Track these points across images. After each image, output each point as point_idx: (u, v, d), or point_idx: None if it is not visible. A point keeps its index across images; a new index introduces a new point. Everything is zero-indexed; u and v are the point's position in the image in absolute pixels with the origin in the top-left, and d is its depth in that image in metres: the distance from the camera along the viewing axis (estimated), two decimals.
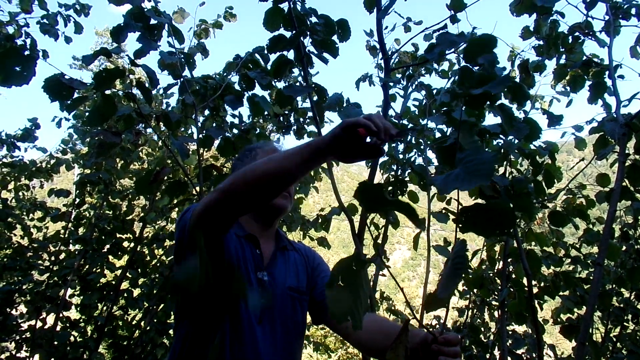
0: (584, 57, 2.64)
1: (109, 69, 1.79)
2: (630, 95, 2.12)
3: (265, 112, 3.16)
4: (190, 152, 3.40)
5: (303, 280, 1.36)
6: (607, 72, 2.47)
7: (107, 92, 1.85)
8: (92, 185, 3.92)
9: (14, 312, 3.86)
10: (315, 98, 2.00)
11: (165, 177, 2.21)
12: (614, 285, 2.99)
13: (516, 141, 2.33)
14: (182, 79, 2.43)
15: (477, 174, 0.73)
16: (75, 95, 1.81)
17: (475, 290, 3.53)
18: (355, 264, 0.84)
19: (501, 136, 2.39)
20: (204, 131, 2.45)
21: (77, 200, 4.00)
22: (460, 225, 0.80)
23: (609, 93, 2.58)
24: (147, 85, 2.07)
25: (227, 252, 1.20)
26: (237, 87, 2.72)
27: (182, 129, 3.60)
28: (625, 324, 3.11)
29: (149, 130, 4.31)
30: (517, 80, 2.42)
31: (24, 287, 3.88)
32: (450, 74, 2.83)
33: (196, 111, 2.36)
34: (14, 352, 3.77)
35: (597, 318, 3.31)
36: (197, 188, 2.13)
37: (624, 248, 2.92)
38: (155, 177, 1.86)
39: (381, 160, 2.99)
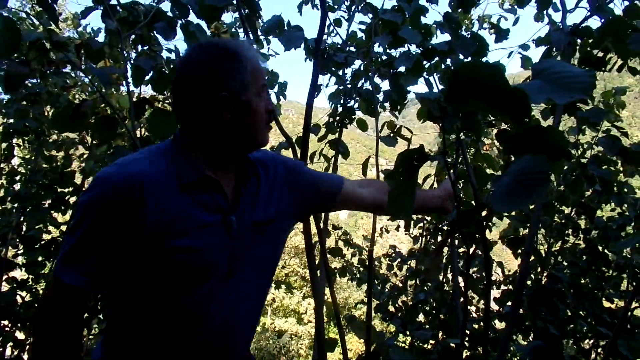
0: None
1: None
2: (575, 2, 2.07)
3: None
4: (123, 93, 3.13)
5: (275, 203, 1.12)
6: None
7: (5, 14, 1.60)
8: (19, 136, 3.59)
9: None
10: (246, 12, 1.82)
11: (93, 115, 2.01)
12: (555, 203, 3.12)
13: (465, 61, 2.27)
14: (103, 4, 2.16)
15: (570, 87, 0.63)
16: None
17: (428, 218, 3.62)
18: (417, 159, 0.85)
19: (450, 57, 2.32)
20: (132, 63, 2.23)
21: (6, 152, 3.68)
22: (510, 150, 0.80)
23: (555, 9, 2.54)
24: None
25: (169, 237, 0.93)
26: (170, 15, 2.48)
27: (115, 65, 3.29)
28: (565, 238, 3.30)
29: (82, 75, 3.95)
30: None
31: None
32: None
33: (121, 39, 2.13)
34: None
35: (540, 236, 3.49)
36: (128, 123, 1.95)
37: (565, 167, 3.02)
38: (75, 111, 1.67)
39: (330, 91, 2.88)
